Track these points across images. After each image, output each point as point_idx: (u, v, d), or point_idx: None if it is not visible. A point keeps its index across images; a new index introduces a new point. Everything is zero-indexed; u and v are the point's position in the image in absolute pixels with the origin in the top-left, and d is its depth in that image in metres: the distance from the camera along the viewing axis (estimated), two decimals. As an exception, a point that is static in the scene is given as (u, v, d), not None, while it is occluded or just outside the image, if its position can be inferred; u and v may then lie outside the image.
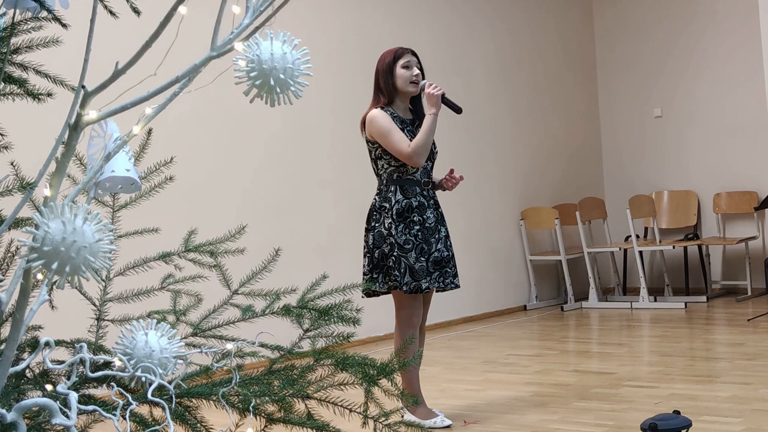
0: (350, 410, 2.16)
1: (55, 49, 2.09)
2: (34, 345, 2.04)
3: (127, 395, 1.69)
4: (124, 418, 1.70)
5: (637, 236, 8.12)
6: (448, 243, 4.17)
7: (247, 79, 1.59)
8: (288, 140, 6.39)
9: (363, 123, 4.11)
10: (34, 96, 2.01)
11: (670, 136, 8.62)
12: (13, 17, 1.79)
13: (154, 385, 1.70)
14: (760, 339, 5.87)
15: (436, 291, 4.22)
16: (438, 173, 4.27)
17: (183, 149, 4.80)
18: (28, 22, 1.93)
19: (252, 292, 2.30)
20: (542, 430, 3.89)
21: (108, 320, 2.33)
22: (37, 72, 2.01)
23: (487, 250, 7.83)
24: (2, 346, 1.66)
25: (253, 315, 2.27)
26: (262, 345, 2.20)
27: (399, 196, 4.06)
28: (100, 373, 1.75)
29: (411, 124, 4.12)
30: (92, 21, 1.57)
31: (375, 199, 4.14)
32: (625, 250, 8.46)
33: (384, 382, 2.16)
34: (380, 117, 4.03)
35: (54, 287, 1.91)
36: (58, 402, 1.53)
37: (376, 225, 4.08)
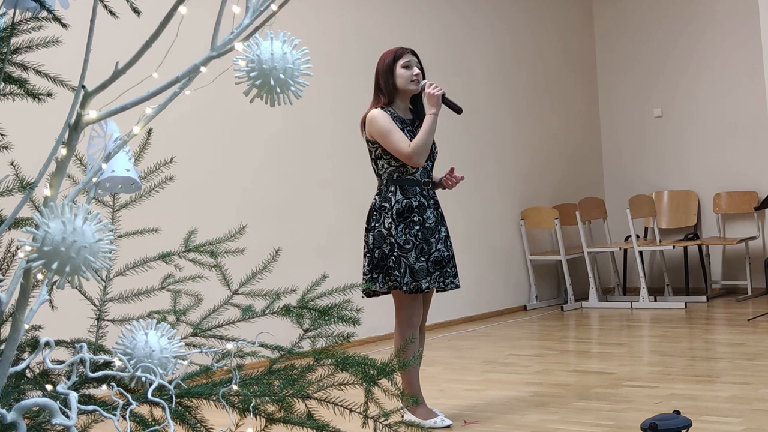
0: (350, 410, 2.16)
1: (55, 49, 2.09)
2: (34, 345, 2.04)
3: (127, 395, 1.69)
4: (124, 418, 1.70)
5: (637, 236, 8.11)
6: (448, 243, 4.17)
7: (247, 79, 1.59)
8: (288, 140, 6.39)
9: (363, 123, 4.11)
10: (34, 96, 2.01)
11: (670, 136, 8.62)
12: (13, 17, 1.79)
13: (154, 385, 1.70)
14: (760, 339, 5.87)
15: (436, 291, 4.22)
16: (438, 173, 4.27)
17: (183, 149, 4.80)
18: (28, 22, 1.93)
19: (252, 292, 2.30)
20: (542, 430, 3.89)
21: (108, 320, 2.33)
22: (37, 72, 2.01)
23: (487, 250, 7.83)
24: (2, 346, 1.66)
25: (253, 315, 2.27)
26: (262, 345, 2.20)
27: (399, 196, 4.06)
28: (100, 373, 1.75)
29: (411, 124, 4.12)
30: (92, 21, 1.57)
31: (375, 199, 4.14)
32: (625, 250, 8.46)
33: (384, 382, 2.15)
34: (380, 117, 4.03)
35: (54, 287, 1.91)
36: (58, 402, 1.53)
37: (376, 225, 4.08)
